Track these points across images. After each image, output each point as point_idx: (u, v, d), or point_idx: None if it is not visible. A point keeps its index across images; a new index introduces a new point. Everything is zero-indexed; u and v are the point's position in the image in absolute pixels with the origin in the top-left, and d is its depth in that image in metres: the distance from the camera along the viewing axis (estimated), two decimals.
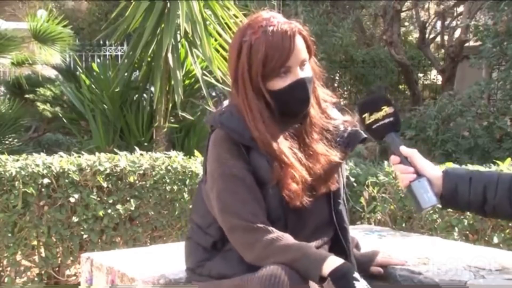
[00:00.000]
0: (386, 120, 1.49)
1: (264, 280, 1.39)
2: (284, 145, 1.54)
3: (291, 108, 1.57)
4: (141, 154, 3.71)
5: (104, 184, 3.44)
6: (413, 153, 1.48)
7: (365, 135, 1.69)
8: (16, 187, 3.26)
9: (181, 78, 5.14)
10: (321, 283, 1.43)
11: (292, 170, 1.51)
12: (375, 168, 3.60)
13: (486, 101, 7.73)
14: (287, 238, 1.48)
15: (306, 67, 1.57)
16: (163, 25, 5.07)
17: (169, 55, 4.96)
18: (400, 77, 11.82)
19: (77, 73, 6.66)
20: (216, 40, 5.41)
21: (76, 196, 3.37)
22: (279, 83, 1.54)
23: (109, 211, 3.45)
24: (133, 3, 5.26)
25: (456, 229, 2.81)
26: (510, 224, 2.79)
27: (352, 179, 3.49)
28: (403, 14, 12.00)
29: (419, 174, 1.46)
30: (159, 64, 4.97)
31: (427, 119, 7.19)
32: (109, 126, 5.51)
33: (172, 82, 5.04)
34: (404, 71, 10.89)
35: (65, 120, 6.08)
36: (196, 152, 3.89)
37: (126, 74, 5.48)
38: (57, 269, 3.56)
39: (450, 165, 3.05)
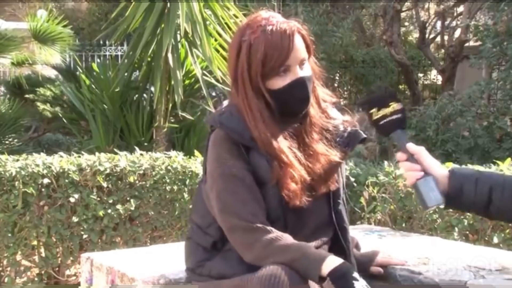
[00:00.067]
0: (394, 117, 1.47)
1: (264, 280, 1.39)
2: (284, 145, 1.54)
3: (291, 108, 1.57)
4: (141, 154, 3.71)
5: (104, 184, 3.44)
6: (420, 151, 1.47)
7: (364, 135, 1.69)
8: (16, 187, 3.26)
9: (181, 78, 5.14)
10: (321, 283, 1.43)
11: (292, 170, 1.51)
12: (375, 168, 3.60)
13: (486, 101, 7.73)
14: (287, 238, 1.48)
15: (305, 66, 1.57)
16: (163, 25, 5.07)
17: (169, 55, 4.96)
18: (400, 77, 11.82)
19: (77, 73, 6.66)
20: (216, 40, 5.41)
21: (76, 196, 3.37)
22: (279, 82, 1.54)
23: (109, 211, 3.46)
24: (133, 3, 5.26)
25: (456, 229, 2.81)
26: (510, 224, 2.79)
27: (352, 179, 3.49)
28: (403, 14, 12.00)
29: (425, 172, 1.45)
30: (159, 64, 4.97)
31: (427, 119, 7.19)
32: (109, 126, 5.51)
33: (172, 82, 5.04)
34: (404, 71, 10.89)
35: (65, 120, 6.08)
36: (196, 152, 3.89)
37: (126, 74, 5.48)
38: (57, 269, 3.56)
39: (450, 165, 3.04)
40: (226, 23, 5.24)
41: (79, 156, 3.55)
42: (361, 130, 1.69)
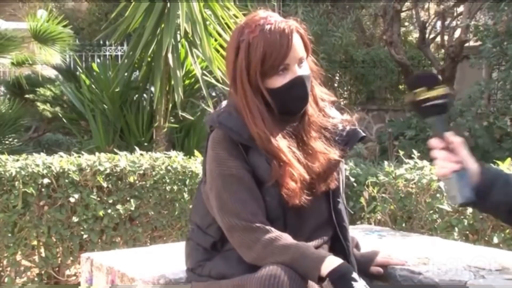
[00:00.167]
0: (440, 101, 1.35)
1: (264, 280, 1.39)
2: (283, 144, 1.54)
3: (290, 106, 1.57)
4: (141, 154, 3.71)
5: (104, 184, 3.44)
6: (459, 142, 1.36)
7: (363, 134, 1.69)
8: (16, 187, 3.26)
9: (181, 78, 5.14)
10: (320, 283, 1.43)
11: (291, 169, 1.51)
12: (375, 168, 3.60)
13: (486, 101, 7.74)
14: (286, 238, 1.48)
15: (304, 65, 1.58)
16: (163, 25, 5.07)
17: (169, 55, 4.96)
18: (400, 77, 11.82)
19: (77, 73, 6.67)
20: (216, 40, 5.41)
21: (76, 196, 3.37)
22: (278, 81, 1.55)
23: (109, 211, 3.45)
24: (133, 3, 5.26)
25: (456, 229, 2.81)
26: (503, 223, 2.79)
27: (352, 179, 3.49)
28: (403, 14, 12.00)
29: (461, 165, 1.34)
30: (159, 64, 4.97)
31: None
32: (109, 126, 5.51)
33: (172, 82, 5.04)
34: (404, 71, 10.88)
35: (65, 120, 6.08)
36: (196, 152, 3.89)
37: (126, 74, 5.48)
38: (57, 269, 3.56)
39: None
40: (226, 23, 5.24)
41: (79, 156, 3.55)
42: (360, 129, 1.69)
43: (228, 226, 1.52)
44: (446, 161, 1.34)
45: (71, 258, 3.50)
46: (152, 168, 3.59)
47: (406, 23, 13.29)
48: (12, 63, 6.55)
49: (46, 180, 3.32)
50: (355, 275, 1.40)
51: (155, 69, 5.05)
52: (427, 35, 10.86)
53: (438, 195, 2.87)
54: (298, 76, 1.55)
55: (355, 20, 10.73)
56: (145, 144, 5.33)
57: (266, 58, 1.51)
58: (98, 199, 3.44)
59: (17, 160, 3.42)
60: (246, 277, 1.46)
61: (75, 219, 3.38)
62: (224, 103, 1.66)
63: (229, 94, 1.63)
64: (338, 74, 11.85)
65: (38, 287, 3.48)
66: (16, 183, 3.26)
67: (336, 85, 11.60)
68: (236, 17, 5.21)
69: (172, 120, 5.54)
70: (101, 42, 10.59)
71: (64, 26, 6.57)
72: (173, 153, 3.81)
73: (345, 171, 1.78)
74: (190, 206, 3.50)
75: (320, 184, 1.59)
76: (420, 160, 3.17)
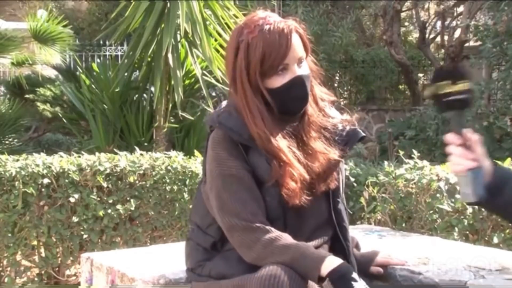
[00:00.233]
0: (462, 96, 1.31)
1: (264, 280, 1.39)
2: (283, 144, 1.54)
3: (290, 106, 1.57)
4: (141, 154, 3.71)
5: (104, 184, 3.44)
6: (476, 139, 1.33)
7: (363, 134, 1.69)
8: (16, 187, 3.26)
9: (181, 78, 5.14)
10: (320, 283, 1.43)
11: (291, 169, 1.51)
12: (375, 168, 3.60)
13: (486, 101, 7.74)
14: (286, 238, 1.48)
15: (303, 64, 1.58)
16: (163, 25, 5.07)
17: (169, 55, 4.96)
18: (400, 77, 11.83)
19: (77, 73, 6.67)
20: (216, 40, 5.41)
21: (76, 196, 3.37)
22: (277, 81, 1.55)
23: (109, 211, 3.45)
24: (133, 3, 5.26)
25: (456, 229, 2.81)
26: (510, 224, 2.79)
27: (352, 179, 3.49)
28: (403, 14, 12.01)
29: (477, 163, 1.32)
30: (159, 64, 4.97)
31: (427, 119, 7.20)
32: (109, 126, 5.51)
33: (172, 82, 5.04)
34: (404, 71, 10.89)
35: (65, 120, 6.08)
36: (196, 152, 3.89)
37: (126, 74, 5.49)
38: (57, 269, 3.56)
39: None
40: (226, 23, 5.24)
41: (79, 156, 3.55)
42: (360, 129, 1.69)
43: (228, 226, 1.52)
44: (463, 158, 1.31)
45: (71, 258, 3.50)
46: (152, 168, 3.59)
47: (406, 23, 13.30)
48: (12, 63, 6.55)
49: (46, 180, 3.32)
50: (355, 275, 1.40)
51: (155, 69, 5.05)
52: (427, 35, 10.87)
53: (438, 195, 2.87)
54: (298, 76, 1.55)
55: (355, 20, 10.74)
56: (145, 144, 5.33)
57: (265, 58, 1.52)
58: (98, 199, 3.44)
59: (17, 160, 3.42)
60: (246, 277, 1.46)
61: (75, 219, 3.38)
62: (224, 103, 1.66)
63: (229, 94, 1.63)
64: (338, 74, 11.86)
65: (38, 287, 3.48)
66: (16, 183, 3.26)
67: (336, 85, 11.60)
68: (236, 17, 5.21)
69: (172, 120, 5.54)
70: (101, 42, 10.60)
71: (64, 26, 6.57)
72: (173, 153, 3.81)
73: (345, 171, 1.78)
74: (190, 206, 3.50)
75: (320, 184, 1.59)
76: (420, 160, 3.17)
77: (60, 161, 3.43)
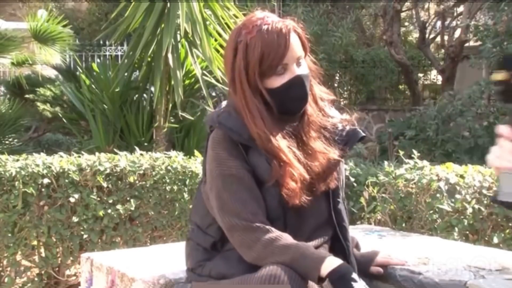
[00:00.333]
0: None
1: (264, 280, 1.39)
2: (283, 144, 1.54)
3: (289, 106, 1.57)
4: (141, 154, 3.71)
5: (104, 184, 3.44)
6: None
7: (363, 134, 1.69)
8: (16, 187, 3.25)
9: (181, 78, 5.14)
10: (320, 283, 1.44)
11: (291, 169, 1.51)
12: (375, 168, 3.60)
13: (486, 101, 7.73)
14: (286, 238, 1.48)
15: (302, 64, 1.58)
16: (163, 25, 5.07)
17: (169, 55, 4.96)
18: (400, 77, 11.83)
19: (77, 73, 6.67)
20: (216, 40, 5.41)
21: (76, 196, 3.37)
22: (277, 81, 1.55)
23: (109, 211, 3.45)
24: (133, 3, 5.27)
25: (456, 229, 2.81)
26: (510, 224, 2.79)
27: (352, 179, 3.49)
28: (403, 14, 12.01)
29: None
30: (159, 64, 4.97)
31: (427, 119, 7.20)
32: (109, 126, 5.51)
33: (172, 82, 5.04)
34: (404, 71, 10.89)
35: (65, 120, 6.08)
36: (196, 152, 3.89)
37: (126, 74, 5.48)
38: (57, 269, 3.55)
39: (450, 165, 3.04)
40: (226, 23, 5.24)
41: (79, 156, 3.55)
42: (360, 129, 1.69)
43: (229, 226, 1.52)
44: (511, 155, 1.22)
45: (71, 258, 3.50)
46: (152, 168, 3.59)
47: (406, 23, 13.31)
48: (12, 63, 6.55)
49: (46, 180, 3.31)
50: (355, 275, 1.40)
51: (155, 69, 5.05)
52: (427, 35, 10.88)
53: (438, 195, 2.87)
54: (297, 76, 1.55)
55: (355, 20, 10.74)
56: (145, 144, 5.33)
57: (264, 58, 1.52)
58: (98, 199, 3.44)
59: (17, 160, 3.42)
60: (246, 277, 1.46)
61: (75, 219, 3.38)
62: (224, 103, 1.66)
63: (229, 94, 1.63)
64: (338, 74, 11.87)
65: (38, 287, 3.48)
66: (16, 183, 3.26)
67: (336, 85, 11.61)
68: (236, 17, 5.21)
69: (172, 120, 5.54)
70: (101, 42, 10.60)
71: (64, 26, 6.57)
72: (173, 153, 3.81)
73: (345, 171, 1.78)
74: (190, 206, 3.50)
75: (320, 184, 1.59)
76: (420, 160, 3.17)
77: (60, 161, 3.43)
